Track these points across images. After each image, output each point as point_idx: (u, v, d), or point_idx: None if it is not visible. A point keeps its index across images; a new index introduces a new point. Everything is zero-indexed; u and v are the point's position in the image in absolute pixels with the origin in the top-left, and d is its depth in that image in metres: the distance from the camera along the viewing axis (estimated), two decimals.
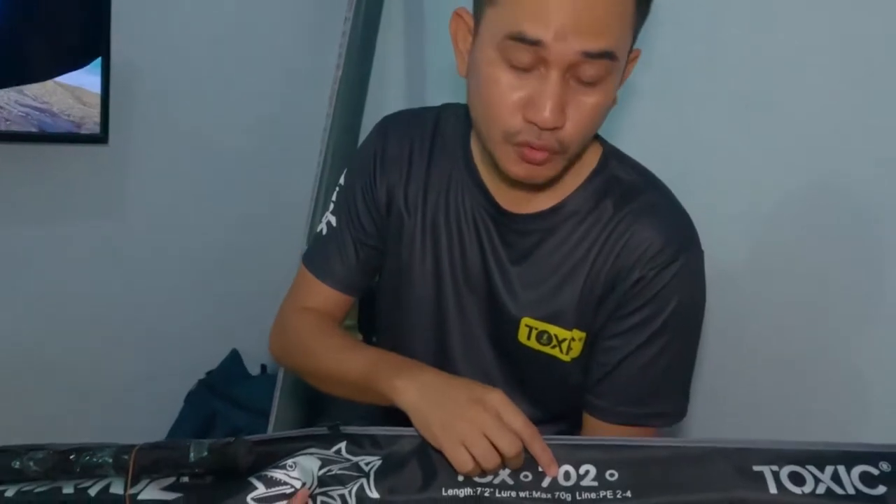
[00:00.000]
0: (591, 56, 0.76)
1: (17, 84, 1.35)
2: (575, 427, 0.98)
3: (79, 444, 0.79)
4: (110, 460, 0.76)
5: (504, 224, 0.94)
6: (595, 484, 0.74)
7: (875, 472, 0.70)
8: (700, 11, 1.24)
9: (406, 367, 0.86)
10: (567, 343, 0.93)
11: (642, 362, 0.89)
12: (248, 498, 0.76)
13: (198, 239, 1.82)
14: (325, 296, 1.04)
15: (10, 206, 1.54)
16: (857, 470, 0.70)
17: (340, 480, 0.77)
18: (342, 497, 0.76)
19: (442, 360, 0.99)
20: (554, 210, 0.92)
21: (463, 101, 0.93)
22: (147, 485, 0.79)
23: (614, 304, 0.90)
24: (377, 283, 1.08)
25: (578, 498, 0.73)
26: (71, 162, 1.57)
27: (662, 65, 1.28)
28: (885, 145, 1.04)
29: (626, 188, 0.92)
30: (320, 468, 0.79)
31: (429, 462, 0.77)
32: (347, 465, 0.79)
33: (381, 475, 0.77)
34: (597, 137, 0.95)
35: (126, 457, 0.76)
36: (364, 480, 0.76)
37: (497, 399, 0.77)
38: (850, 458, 0.71)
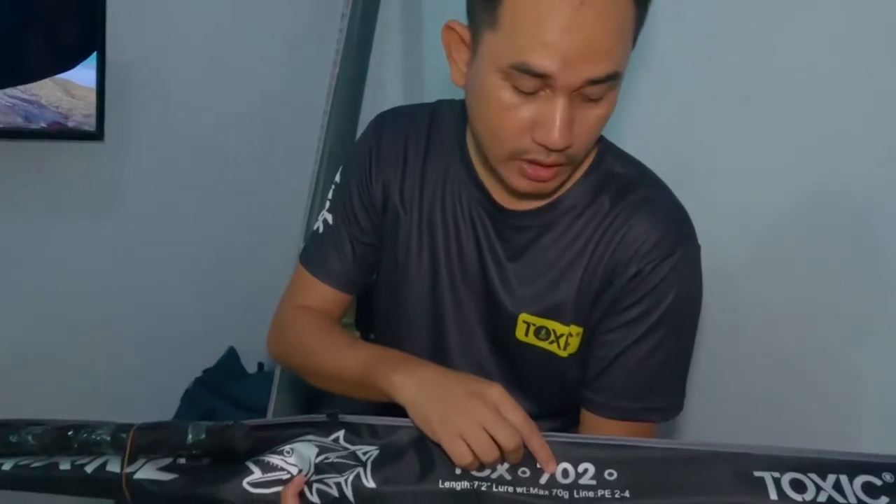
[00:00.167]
0: (597, 81, 0.77)
1: (15, 84, 1.35)
2: (572, 423, 0.98)
3: (77, 420, 0.80)
4: (108, 438, 0.77)
5: (501, 220, 0.94)
6: (593, 483, 0.73)
7: (878, 482, 0.69)
8: (700, 9, 1.24)
9: (404, 363, 0.85)
10: (564, 338, 0.93)
11: (639, 357, 0.89)
12: (244, 482, 0.77)
13: (194, 236, 1.82)
14: (323, 294, 1.04)
15: (5, 202, 1.53)
16: (860, 480, 0.69)
17: (337, 468, 0.77)
18: (338, 485, 0.76)
19: (439, 357, 0.99)
20: (551, 206, 0.92)
21: (460, 98, 0.93)
22: (143, 464, 0.79)
23: (611, 299, 0.90)
24: (374, 281, 1.08)
25: (576, 496, 0.72)
26: (66, 159, 1.56)
27: (662, 63, 1.28)
28: (885, 144, 1.04)
29: (623, 183, 0.92)
30: (317, 455, 0.79)
31: (427, 454, 0.77)
32: (345, 453, 0.79)
33: (378, 465, 0.77)
34: None
35: (124, 435, 0.76)
36: (361, 469, 0.76)
37: (496, 393, 0.77)
38: (852, 467, 0.70)
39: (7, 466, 0.82)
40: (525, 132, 0.80)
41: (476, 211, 0.96)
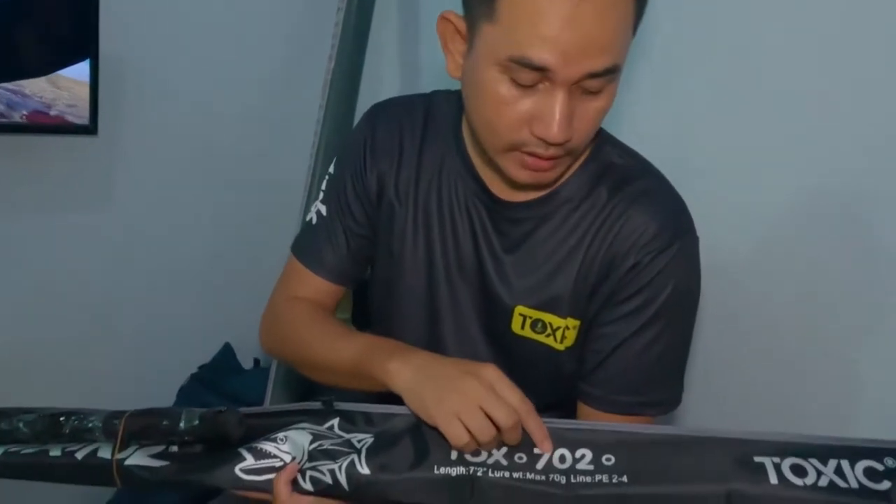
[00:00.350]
0: (597, 75, 0.76)
1: (9, 80, 1.35)
2: (568, 417, 0.96)
3: (69, 408, 0.79)
4: (100, 425, 0.77)
5: (497, 212, 0.94)
6: (591, 468, 0.73)
7: (880, 467, 0.68)
8: (700, 2, 1.24)
9: (399, 351, 0.85)
10: (561, 331, 0.93)
11: (637, 349, 0.88)
12: (237, 469, 0.77)
13: (190, 232, 1.80)
14: (316, 286, 1.03)
15: None
16: (862, 465, 0.69)
17: (331, 456, 0.77)
18: (332, 472, 0.75)
19: (434, 350, 0.96)
20: (548, 197, 0.92)
21: (457, 89, 0.92)
22: (135, 451, 0.79)
23: (609, 291, 0.89)
24: (370, 275, 1.08)
25: (573, 481, 0.72)
26: (60, 154, 1.55)
27: (659, 56, 1.28)
28: (886, 142, 1.03)
29: (621, 174, 0.91)
30: (311, 443, 0.79)
31: (422, 440, 0.77)
32: (339, 441, 0.79)
33: (372, 452, 0.76)
34: None
35: (116, 422, 0.76)
36: (355, 456, 0.76)
37: (491, 372, 0.77)
38: (854, 452, 0.70)
39: None
40: (523, 125, 0.80)
41: (472, 202, 0.95)
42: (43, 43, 1.38)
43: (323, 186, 1.05)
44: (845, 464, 0.69)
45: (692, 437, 0.74)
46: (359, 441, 0.78)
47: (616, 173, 0.91)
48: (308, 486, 0.76)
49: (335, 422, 0.81)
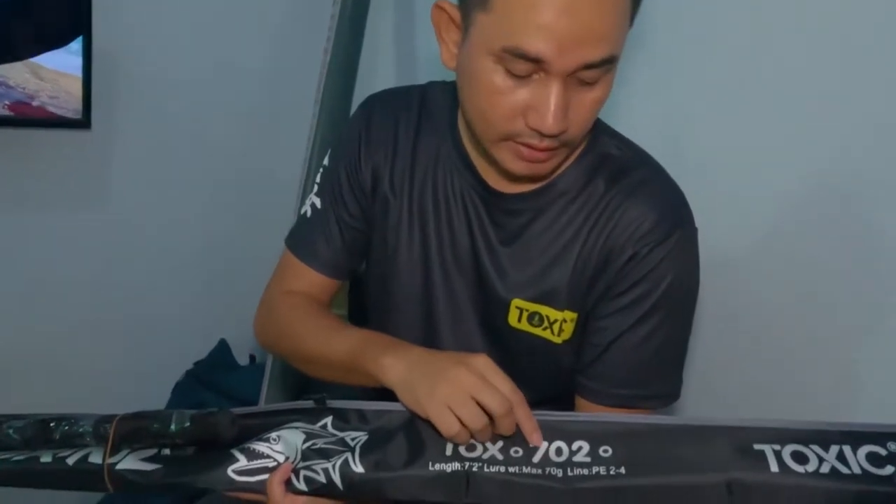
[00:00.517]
0: (593, 66, 0.75)
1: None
2: (566, 411, 0.95)
3: (59, 413, 0.79)
4: (90, 429, 0.76)
5: (493, 204, 0.93)
6: (588, 460, 0.72)
7: (883, 452, 0.68)
8: None
9: (393, 346, 0.84)
10: (558, 324, 0.92)
11: (635, 342, 0.88)
12: (230, 470, 0.76)
13: (185, 228, 1.80)
14: (310, 279, 1.03)
15: None
16: (864, 450, 0.68)
17: (325, 454, 0.76)
18: (326, 471, 0.75)
19: (430, 345, 0.96)
20: (544, 189, 0.91)
21: (452, 80, 0.91)
22: (126, 455, 0.78)
23: (606, 284, 0.89)
24: (365, 269, 1.07)
25: (570, 474, 0.71)
26: (53, 148, 1.55)
27: (656, 49, 1.27)
28: (885, 136, 1.02)
29: (618, 165, 0.90)
30: (304, 442, 0.78)
31: (416, 436, 0.76)
32: (333, 439, 0.78)
33: (366, 450, 0.76)
34: None
35: (106, 426, 0.75)
36: (349, 455, 0.75)
37: (482, 362, 0.76)
38: (856, 437, 0.69)
39: None
40: (518, 116, 0.79)
41: (468, 195, 0.94)
42: (34, 34, 1.39)
43: (317, 179, 1.05)
44: (847, 449, 0.68)
45: (690, 426, 0.73)
46: (352, 439, 0.77)
47: (613, 164, 0.90)
48: (302, 485, 0.75)
49: (328, 420, 0.80)
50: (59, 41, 1.39)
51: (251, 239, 1.87)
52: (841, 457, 0.68)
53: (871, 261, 1.05)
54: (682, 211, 0.89)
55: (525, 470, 0.73)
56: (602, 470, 0.71)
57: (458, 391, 0.73)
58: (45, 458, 0.80)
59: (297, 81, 1.81)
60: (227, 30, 1.75)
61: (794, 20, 1.11)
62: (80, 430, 0.76)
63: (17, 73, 1.38)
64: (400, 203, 0.97)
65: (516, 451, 0.74)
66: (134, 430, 0.75)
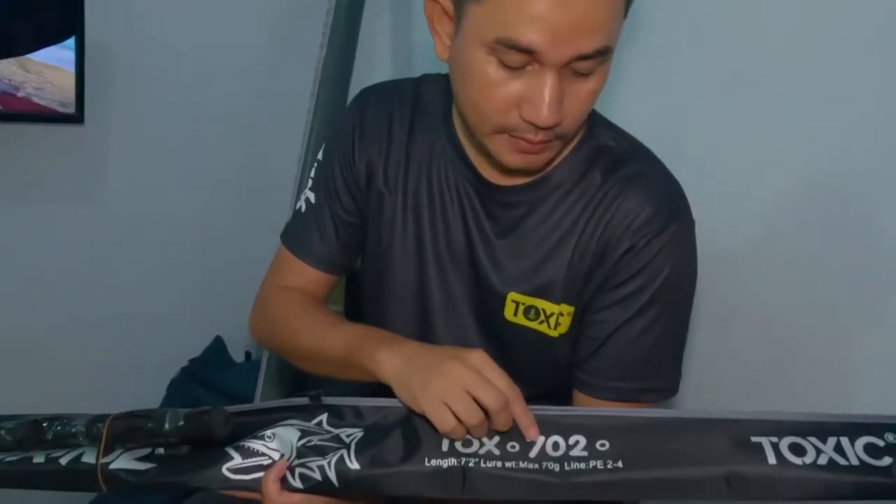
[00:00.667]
0: (587, 57, 0.74)
1: None
2: (563, 405, 0.93)
3: (52, 413, 0.78)
4: (83, 429, 0.75)
5: (488, 197, 0.92)
6: (585, 454, 0.72)
7: (881, 443, 0.68)
8: None
9: (389, 341, 0.84)
10: (555, 318, 0.91)
11: (633, 335, 0.87)
12: (224, 468, 0.75)
13: (180, 223, 1.80)
14: (306, 275, 1.02)
15: None
16: (862, 441, 0.68)
17: (320, 451, 0.76)
18: (321, 468, 0.74)
19: (425, 340, 0.95)
20: (540, 181, 0.90)
21: (447, 73, 0.90)
22: (120, 454, 0.78)
23: (603, 276, 0.88)
24: (360, 264, 1.06)
25: (567, 468, 0.71)
26: (46, 143, 1.54)
27: (651, 41, 1.26)
28: (883, 131, 1.02)
29: (615, 157, 0.90)
30: (299, 439, 0.77)
31: (412, 432, 0.76)
32: (328, 436, 0.78)
33: (362, 446, 0.75)
34: None
35: (99, 425, 0.75)
36: (344, 452, 0.75)
37: (478, 357, 0.76)
38: (853, 429, 0.69)
39: None
40: (512, 108, 0.78)
41: (463, 187, 0.93)
42: (26, 28, 1.38)
43: (312, 173, 1.04)
44: (845, 441, 0.69)
45: (688, 419, 0.73)
46: (348, 436, 0.77)
47: (610, 156, 0.90)
48: (297, 483, 0.75)
49: (323, 417, 0.80)
50: (54, 38, 1.39)
51: (247, 235, 1.86)
52: (839, 448, 0.68)
53: (871, 258, 1.05)
54: (679, 202, 0.89)
55: (522, 465, 0.72)
56: (599, 464, 0.71)
57: (454, 386, 0.73)
58: (38, 458, 0.79)
59: (293, 76, 1.80)
60: (222, 24, 1.74)
61: (793, 14, 1.11)
62: (73, 430, 0.75)
63: (3, 65, 1.37)
64: (394, 197, 0.97)
65: (513, 446, 0.74)
66: (127, 430, 0.75)
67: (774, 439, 0.69)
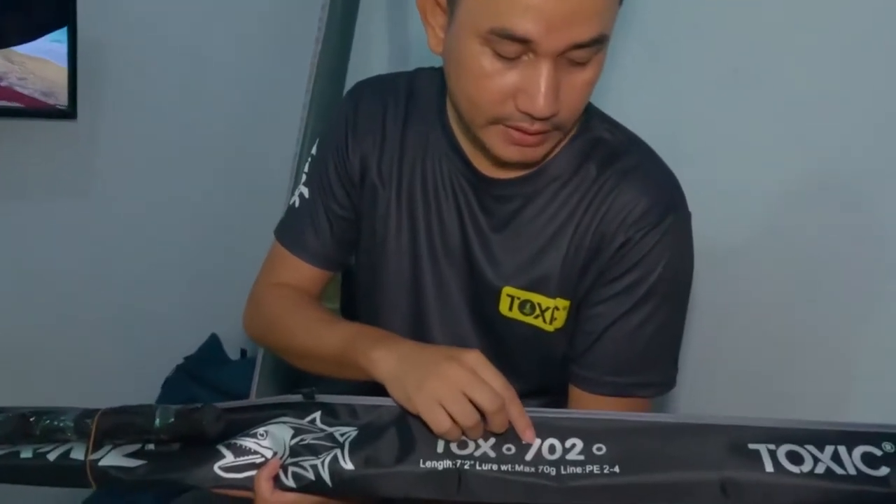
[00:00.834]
0: (583, 45, 0.73)
1: None
2: (559, 401, 0.96)
3: (40, 407, 0.77)
4: (72, 424, 0.74)
5: (483, 190, 0.91)
6: (581, 458, 0.71)
7: (878, 452, 0.68)
8: None
9: (384, 339, 0.83)
10: (550, 312, 0.90)
11: (629, 329, 0.86)
12: (216, 466, 0.75)
13: (174, 220, 1.79)
14: (300, 271, 1.01)
15: None
16: (859, 450, 0.68)
17: (314, 450, 0.75)
18: (314, 468, 0.73)
19: (420, 336, 0.96)
20: (535, 174, 0.89)
21: (441, 66, 0.89)
22: (109, 451, 0.77)
23: (599, 270, 0.87)
24: (355, 262, 1.05)
25: (563, 472, 0.70)
26: (38, 138, 1.53)
27: (648, 32, 1.25)
28: (882, 125, 1.01)
29: (610, 149, 0.89)
30: (292, 437, 0.77)
31: (407, 433, 0.75)
32: (322, 435, 0.77)
33: (356, 446, 0.74)
34: None
35: (88, 421, 0.74)
36: (338, 451, 0.74)
37: (474, 357, 0.75)
38: (851, 437, 0.69)
39: None
40: (508, 100, 0.77)
41: (457, 181, 0.93)
42: (16, 21, 1.37)
43: (305, 169, 1.03)
44: (842, 450, 0.68)
45: (685, 424, 0.73)
46: (342, 435, 0.76)
47: (605, 148, 0.89)
48: (290, 482, 0.74)
49: (317, 415, 0.79)
50: (45, 29, 1.37)
51: (243, 231, 1.85)
52: (836, 457, 0.68)
53: (870, 255, 1.05)
54: (675, 195, 0.88)
55: (518, 468, 0.72)
56: (596, 469, 0.70)
57: (449, 387, 0.72)
58: (26, 453, 0.78)
59: (288, 72, 1.79)
60: (216, 18, 1.73)
61: (792, 11, 1.10)
62: (62, 424, 0.74)
63: None
64: (388, 192, 0.96)
65: (509, 449, 0.73)
66: (117, 426, 0.74)
67: (772, 447, 0.69)
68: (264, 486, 0.73)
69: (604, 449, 0.72)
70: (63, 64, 1.42)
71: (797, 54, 1.10)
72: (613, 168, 0.87)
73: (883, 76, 1.01)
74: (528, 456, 0.72)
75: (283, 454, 0.75)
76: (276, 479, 0.74)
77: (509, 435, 0.74)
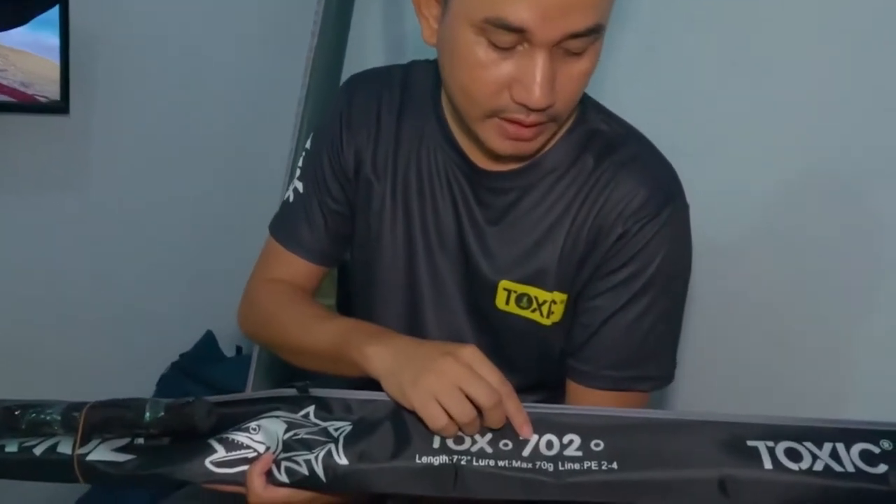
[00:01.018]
0: (579, 35, 0.73)
1: None
2: (557, 396, 0.95)
3: (26, 400, 0.76)
4: (59, 417, 0.73)
5: (479, 183, 0.90)
6: (579, 454, 0.71)
7: (876, 450, 0.67)
8: None
9: (378, 335, 0.83)
10: (547, 306, 0.90)
11: (627, 322, 0.86)
12: (207, 461, 0.73)
13: (169, 217, 1.78)
14: (294, 266, 1.01)
15: None
16: (857, 448, 0.68)
17: (307, 445, 0.74)
18: (308, 463, 0.72)
19: (415, 331, 0.95)
20: (531, 166, 0.88)
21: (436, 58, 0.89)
22: (98, 445, 0.76)
23: (596, 263, 0.87)
24: (350, 257, 1.05)
25: (561, 468, 0.70)
26: (29, 133, 1.52)
27: (647, 24, 1.25)
28: (881, 120, 1.01)
29: (607, 141, 0.88)
30: (286, 432, 0.75)
31: (402, 427, 0.74)
32: (315, 429, 0.76)
33: (351, 440, 0.73)
34: None
35: (76, 414, 0.73)
36: (332, 446, 0.73)
37: (470, 352, 0.74)
38: (849, 435, 0.69)
39: None
40: (503, 90, 0.76)
41: (453, 174, 0.92)
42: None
43: (300, 163, 1.03)
44: (841, 447, 0.68)
45: (683, 420, 0.72)
46: (336, 429, 0.75)
47: (602, 140, 0.88)
48: (283, 477, 0.73)
49: (311, 409, 0.78)
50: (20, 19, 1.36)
51: (238, 227, 1.84)
52: (834, 454, 0.68)
53: (870, 251, 1.04)
54: (672, 186, 0.87)
55: (515, 464, 0.71)
56: (594, 465, 0.70)
57: (445, 383, 0.71)
58: (11, 447, 0.77)
59: (284, 65, 1.79)
60: (211, 11, 1.73)
61: (792, 4, 1.09)
62: (48, 418, 0.73)
63: None
64: (383, 185, 0.95)
65: (506, 444, 0.72)
66: (105, 419, 0.73)
67: (771, 444, 0.69)
68: (257, 482, 0.72)
69: (602, 445, 0.71)
70: (54, 58, 1.40)
71: (797, 49, 1.09)
72: (610, 159, 0.86)
73: (884, 72, 1.00)
74: (526, 452, 0.72)
75: (276, 449, 0.74)
76: (269, 474, 0.73)
77: (506, 430, 0.73)
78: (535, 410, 0.74)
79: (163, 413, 0.72)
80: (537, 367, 0.94)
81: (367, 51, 1.88)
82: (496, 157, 0.87)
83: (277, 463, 0.73)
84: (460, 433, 0.73)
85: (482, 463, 0.71)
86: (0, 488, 0.83)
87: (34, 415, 0.74)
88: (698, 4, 1.20)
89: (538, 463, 0.70)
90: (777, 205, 1.14)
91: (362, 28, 1.83)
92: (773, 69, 1.12)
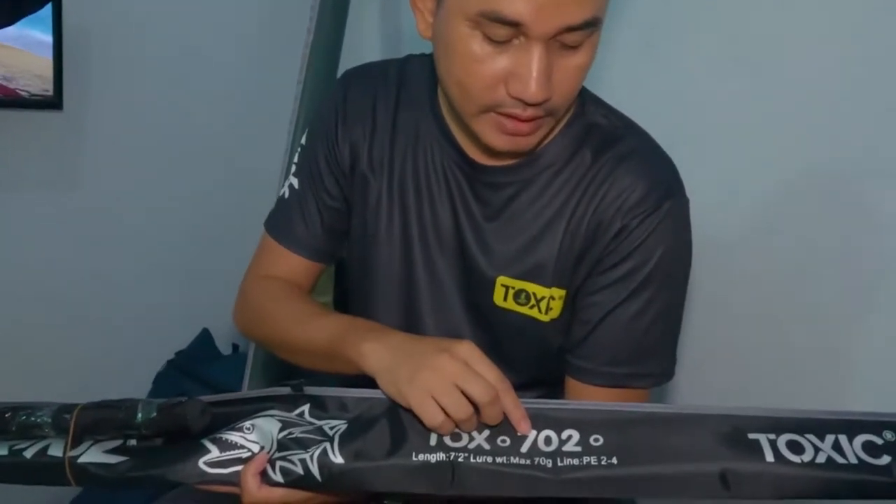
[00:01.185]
0: (575, 28, 0.72)
1: None
2: (554, 392, 0.95)
3: (17, 402, 0.75)
4: (49, 420, 0.72)
5: (476, 178, 0.90)
6: (578, 449, 0.70)
7: (879, 441, 0.67)
8: None
9: (374, 331, 0.82)
10: (546, 302, 0.89)
11: (626, 318, 0.85)
12: (201, 462, 0.73)
13: (164, 214, 1.78)
14: (290, 263, 1.00)
15: None
16: (860, 439, 0.68)
17: (302, 444, 0.73)
18: (303, 462, 0.72)
19: (412, 328, 0.95)
20: (529, 161, 0.88)
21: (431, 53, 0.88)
22: (89, 447, 0.75)
23: (595, 258, 0.86)
24: (346, 253, 1.04)
25: (560, 464, 0.69)
26: (22, 130, 1.51)
27: (646, 21, 1.24)
28: (883, 117, 1.00)
29: (606, 135, 0.88)
30: (280, 431, 0.75)
31: (399, 425, 0.73)
32: (310, 428, 0.75)
33: (346, 439, 0.73)
34: None
35: (67, 416, 0.72)
36: (328, 444, 0.72)
37: (466, 348, 0.74)
38: (852, 426, 0.69)
39: None
40: (499, 85, 0.75)
41: (450, 169, 0.91)
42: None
43: (295, 159, 1.02)
44: (843, 439, 0.68)
45: (683, 414, 0.72)
46: (331, 428, 0.74)
47: (600, 134, 0.88)
48: (278, 477, 0.72)
49: (306, 408, 0.77)
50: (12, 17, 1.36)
51: (234, 225, 1.83)
52: (837, 446, 0.67)
53: (871, 247, 1.03)
54: (672, 181, 0.87)
55: (513, 460, 0.70)
56: (593, 460, 0.69)
57: (442, 379, 0.71)
58: (1, 450, 0.76)
59: (280, 61, 1.77)
60: (206, 7, 1.72)
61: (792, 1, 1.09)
62: (39, 420, 0.73)
63: None
64: (379, 181, 0.95)
65: (503, 441, 0.72)
66: (97, 421, 0.72)
67: (772, 436, 0.69)
68: (251, 482, 0.71)
69: (601, 440, 0.70)
70: (48, 54, 1.39)
71: (796, 41, 1.08)
72: (609, 154, 0.86)
73: (885, 69, 0.99)
74: (524, 448, 0.71)
75: (271, 448, 0.73)
76: (264, 473, 0.72)
77: (504, 427, 0.72)
78: (533, 406, 0.73)
79: (155, 414, 0.71)
80: (535, 363, 0.94)
81: (363, 46, 1.87)
82: (493, 152, 0.86)
83: (272, 462, 0.72)
84: (457, 430, 0.72)
85: (480, 460, 0.70)
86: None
87: (24, 417, 0.73)
88: (698, 2, 1.20)
89: (537, 459, 0.70)
90: (777, 202, 1.13)
91: (359, 23, 1.82)
92: (773, 67, 1.11)
